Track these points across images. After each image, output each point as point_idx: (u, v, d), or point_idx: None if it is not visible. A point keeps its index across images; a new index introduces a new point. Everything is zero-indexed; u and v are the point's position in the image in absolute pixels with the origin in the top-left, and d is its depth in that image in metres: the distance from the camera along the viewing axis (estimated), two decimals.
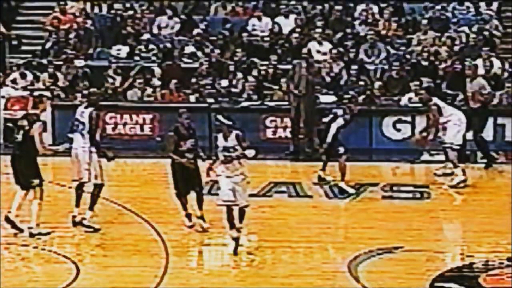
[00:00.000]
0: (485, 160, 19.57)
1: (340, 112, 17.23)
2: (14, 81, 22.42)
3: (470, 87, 19.19)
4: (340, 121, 17.13)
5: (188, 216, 15.35)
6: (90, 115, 15.13)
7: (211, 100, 21.63)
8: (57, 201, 16.95)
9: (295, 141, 20.34)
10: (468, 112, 18.85)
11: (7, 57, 23.93)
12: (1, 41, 23.97)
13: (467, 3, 24.45)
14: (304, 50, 21.20)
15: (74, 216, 15.41)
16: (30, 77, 22.51)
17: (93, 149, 15.26)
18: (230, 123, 13.96)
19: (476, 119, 18.93)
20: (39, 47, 24.07)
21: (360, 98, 21.68)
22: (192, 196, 15.31)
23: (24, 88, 22.15)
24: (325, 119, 17.31)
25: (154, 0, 25.29)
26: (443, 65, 22.13)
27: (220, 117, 14.18)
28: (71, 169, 15.39)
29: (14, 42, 24.39)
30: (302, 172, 18.16)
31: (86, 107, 15.32)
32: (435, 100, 17.99)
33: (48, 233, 15.15)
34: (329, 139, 17.12)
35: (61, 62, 22.99)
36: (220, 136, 14.08)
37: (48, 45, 23.91)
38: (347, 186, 17.01)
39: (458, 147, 17.88)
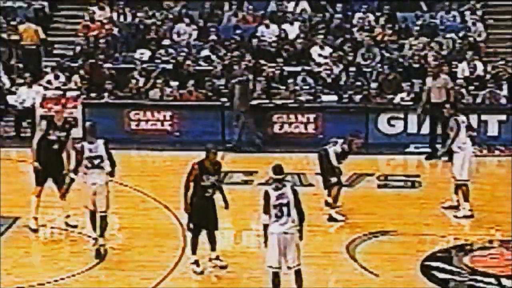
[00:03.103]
0: (429, 151, 19.34)
1: (340, 141, 15.47)
2: (49, 81, 22.40)
3: (434, 84, 19.06)
4: (337, 149, 15.30)
5: (196, 262, 13.11)
6: (105, 146, 13.70)
7: (224, 99, 21.57)
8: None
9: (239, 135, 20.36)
10: (433, 108, 18.79)
11: (42, 60, 23.90)
12: (38, 46, 23.92)
13: (453, 12, 24.36)
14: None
15: (102, 245, 13.68)
16: (62, 78, 22.48)
17: (109, 179, 13.85)
18: None
19: (437, 112, 18.57)
20: (71, 52, 24.04)
21: (358, 97, 21.70)
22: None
23: (58, 88, 22.12)
24: (326, 146, 15.49)
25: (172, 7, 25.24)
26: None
27: None
28: (88, 200, 13.66)
29: (47, 49, 24.35)
30: (306, 163, 18.07)
31: (90, 143, 13.64)
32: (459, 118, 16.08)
33: (76, 226, 14.84)
34: (334, 164, 15.33)
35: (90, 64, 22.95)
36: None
37: (79, 49, 23.87)
38: (337, 214, 15.35)
39: (465, 182, 15.71)
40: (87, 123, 14.14)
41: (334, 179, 15.36)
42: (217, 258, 13.17)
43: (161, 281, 12.83)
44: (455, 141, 15.67)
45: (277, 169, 11.84)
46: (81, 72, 22.55)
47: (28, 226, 14.64)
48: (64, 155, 14.54)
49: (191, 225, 12.97)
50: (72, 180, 13.75)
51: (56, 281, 12.80)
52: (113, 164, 13.77)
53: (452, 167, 15.80)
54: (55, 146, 14.41)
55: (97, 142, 13.62)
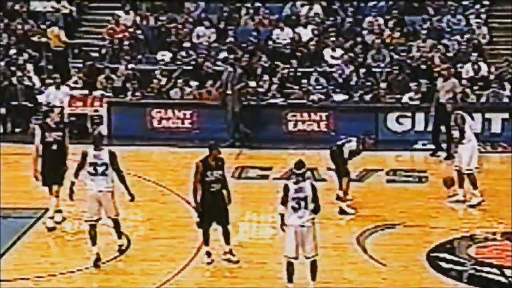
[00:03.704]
0: (433, 147, 19.26)
1: (354, 139, 15.47)
2: (76, 82, 22.45)
3: (443, 86, 18.98)
4: (352, 145, 15.35)
5: (208, 253, 13.10)
6: (110, 154, 13.17)
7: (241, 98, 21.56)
8: None
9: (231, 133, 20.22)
10: (439, 107, 18.67)
11: (70, 62, 23.96)
12: (65, 48, 24.00)
13: (459, 16, 24.26)
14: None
15: (97, 254, 13.07)
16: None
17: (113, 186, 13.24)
18: None
19: (444, 112, 18.53)
20: (97, 54, 24.09)
21: (368, 97, 21.65)
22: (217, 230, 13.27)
23: (84, 88, 22.15)
24: (339, 142, 15.62)
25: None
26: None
27: None
28: (89, 208, 13.17)
29: (76, 50, 24.40)
30: (318, 160, 18.05)
31: (96, 149, 13.13)
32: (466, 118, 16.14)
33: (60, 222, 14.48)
34: (345, 157, 15.40)
35: (115, 66, 23.00)
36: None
37: (104, 51, 23.93)
38: (348, 207, 15.37)
39: (472, 171, 15.80)
40: (96, 131, 13.90)
41: (346, 172, 15.41)
42: (230, 252, 13.07)
43: (180, 271, 12.85)
44: (463, 135, 15.76)
45: (299, 165, 11.86)
46: (107, 72, 22.60)
47: (52, 219, 14.49)
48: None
49: (199, 220, 12.90)
50: (73, 183, 13.14)
51: (80, 270, 12.83)
52: (119, 175, 13.18)
53: (459, 160, 15.80)
54: (54, 147, 14.13)
55: (103, 150, 13.14)
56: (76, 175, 13.22)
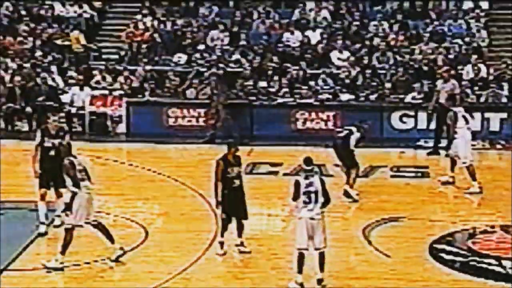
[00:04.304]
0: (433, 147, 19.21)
1: (354, 129, 15.66)
2: (97, 82, 22.50)
3: (443, 87, 18.91)
4: (357, 134, 15.52)
5: (221, 243, 13.01)
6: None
7: (252, 98, 21.58)
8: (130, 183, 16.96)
9: (213, 129, 20.31)
10: (439, 108, 18.61)
11: (91, 63, 23.99)
12: (85, 51, 24.03)
13: (460, 20, 24.18)
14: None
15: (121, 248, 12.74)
16: (109, 79, 22.55)
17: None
18: None
19: (444, 113, 18.46)
20: (117, 56, 24.12)
21: (373, 97, 21.61)
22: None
23: (104, 88, 22.21)
24: (340, 134, 15.86)
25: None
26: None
27: None
28: (80, 213, 12.55)
29: (95, 54, 24.42)
30: (325, 156, 18.02)
31: (74, 157, 12.73)
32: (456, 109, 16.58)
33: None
34: (352, 148, 15.55)
35: (133, 67, 23.03)
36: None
37: (123, 53, 23.95)
38: (352, 191, 15.51)
39: (469, 163, 16.13)
40: (65, 142, 13.17)
41: (355, 162, 15.52)
42: (241, 244, 13.03)
43: (195, 261, 12.84)
44: (456, 130, 16.01)
45: (308, 161, 11.93)
46: (125, 73, 22.61)
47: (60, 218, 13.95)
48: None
49: (224, 215, 12.86)
50: (75, 193, 12.50)
51: (103, 260, 12.85)
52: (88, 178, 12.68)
53: (455, 151, 16.11)
54: (51, 153, 13.67)
55: (78, 158, 12.77)
56: (77, 185, 12.54)
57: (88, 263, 12.73)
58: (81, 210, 12.47)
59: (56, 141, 13.71)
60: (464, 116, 16.37)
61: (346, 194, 15.52)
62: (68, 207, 12.56)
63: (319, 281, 11.79)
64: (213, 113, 20.43)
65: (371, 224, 14.39)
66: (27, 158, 18.39)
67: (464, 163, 16.07)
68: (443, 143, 18.80)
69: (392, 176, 17.62)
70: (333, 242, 12.93)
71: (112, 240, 12.72)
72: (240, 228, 13.01)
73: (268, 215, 15.16)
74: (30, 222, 14.15)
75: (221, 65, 22.71)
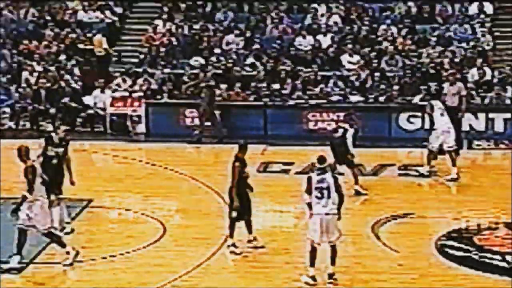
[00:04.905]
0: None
1: (347, 126, 15.93)
2: (117, 84, 22.49)
3: (449, 89, 18.80)
4: (351, 130, 15.75)
5: (234, 244, 12.91)
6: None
7: (266, 99, 21.52)
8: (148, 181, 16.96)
9: (200, 130, 20.28)
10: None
11: (112, 67, 24.00)
12: (105, 55, 24.05)
13: (465, 25, 24.01)
14: None
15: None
16: (129, 82, 22.55)
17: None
18: None
19: (452, 115, 18.46)
20: (136, 59, 24.12)
21: (382, 98, 21.50)
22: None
23: (125, 90, 22.21)
24: (337, 134, 16.04)
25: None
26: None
27: None
28: (42, 219, 12.28)
29: (115, 58, 24.46)
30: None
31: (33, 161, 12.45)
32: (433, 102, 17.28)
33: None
34: (351, 148, 15.70)
35: (152, 70, 23.03)
36: None
37: (143, 57, 23.96)
38: (361, 188, 15.67)
39: (452, 148, 16.84)
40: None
41: (353, 158, 15.68)
42: (254, 239, 13.03)
43: (211, 256, 12.82)
44: (433, 120, 16.81)
45: (322, 160, 11.99)
46: (145, 76, 22.61)
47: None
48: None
49: (234, 214, 12.81)
50: (25, 197, 12.06)
51: (122, 254, 12.85)
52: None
53: (432, 142, 16.74)
54: (54, 161, 13.41)
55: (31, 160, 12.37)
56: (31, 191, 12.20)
57: (105, 258, 12.72)
58: (34, 216, 12.07)
59: (60, 150, 13.47)
60: (440, 108, 16.95)
61: (358, 193, 15.50)
62: (15, 210, 12.15)
63: (330, 276, 11.74)
64: (201, 113, 20.33)
65: (379, 221, 14.33)
66: None
67: (449, 147, 16.63)
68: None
69: (400, 175, 17.53)
70: (343, 238, 12.87)
71: (63, 245, 12.41)
72: (250, 225, 13.00)
73: (281, 212, 15.11)
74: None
75: (236, 68, 22.67)
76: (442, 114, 16.94)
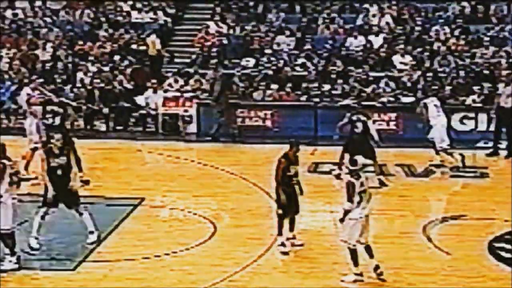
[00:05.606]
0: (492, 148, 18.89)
1: (364, 118, 16.21)
2: (169, 85, 22.66)
3: (504, 91, 18.47)
4: (370, 122, 16.29)
5: (283, 243, 12.89)
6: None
7: (317, 99, 21.47)
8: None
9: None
10: (500, 110, 18.44)
11: (164, 67, 24.20)
12: (159, 55, 24.25)
13: None
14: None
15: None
16: (181, 82, 22.70)
17: None
18: None
19: (506, 116, 18.20)
20: (188, 60, 24.28)
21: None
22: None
23: (177, 90, 22.36)
24: (357, 130, 16.23)
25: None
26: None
27: None
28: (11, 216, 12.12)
29: (167, 58, 24.64)
30: (386, 156, 17.81)
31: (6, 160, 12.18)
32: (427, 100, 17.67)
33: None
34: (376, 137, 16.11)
35: (204, 70, 23.16)
36: None
37: (195, 57, 24.11)
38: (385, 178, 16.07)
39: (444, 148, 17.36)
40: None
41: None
42: (294, 237, 12.97)
43: (261, 255, 12.83)
44: (430, 119, 17.16)
45: (353, 162, 11.86)
46: (196, 76, 22.72)
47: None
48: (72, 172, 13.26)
49: (280, 211, 12.80)
50: None
51: (174, 252, 12.94)
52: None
53: (433, 137, 17.12)
54: (59, 172, 12.97)
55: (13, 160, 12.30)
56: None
57: (158, 256, 12.82)
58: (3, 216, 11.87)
59: (62, 160, 13.06)
60: (435, 105, 17.31)
61: (381, 182, 15.79)
62: None
63: (376, 268, 11.69)
64: (219, 111, 20.37)
65: (431, 222, 14.17)
66: (104, 156, 18.82)
67: (440, 147, 17.07)
68: (503, 144, 18.56)
69: (451, 176, 17.31)
70: (393, 239, 12.80)
71: (13, 253, 12.13)
72: (293, 223, 12.97)
73: (331, 212, 15.04)
74: (107, 216, 14.34)
75: (287, 68, 22.67)
76: (438, 111, 17.15)
